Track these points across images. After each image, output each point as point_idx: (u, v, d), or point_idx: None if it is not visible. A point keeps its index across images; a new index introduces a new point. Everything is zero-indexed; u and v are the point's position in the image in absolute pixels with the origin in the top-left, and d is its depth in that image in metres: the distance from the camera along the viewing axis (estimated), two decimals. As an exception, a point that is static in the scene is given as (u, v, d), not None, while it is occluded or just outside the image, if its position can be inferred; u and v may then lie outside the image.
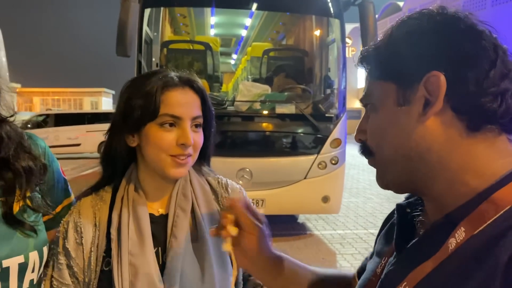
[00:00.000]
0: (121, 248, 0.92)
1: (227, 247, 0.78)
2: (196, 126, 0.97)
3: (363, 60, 0.66)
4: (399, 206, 0.70)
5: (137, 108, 0.93)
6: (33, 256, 0.93)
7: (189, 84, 0.98)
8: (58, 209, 1.10)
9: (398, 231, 0.66)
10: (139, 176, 1.01)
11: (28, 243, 0.93)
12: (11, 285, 0.89)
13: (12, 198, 0.92)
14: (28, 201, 0.95)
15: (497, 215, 0.51)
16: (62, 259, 0.95)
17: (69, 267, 0.95)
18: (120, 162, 1.00)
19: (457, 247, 0.52)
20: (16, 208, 0.92)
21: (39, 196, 1.00)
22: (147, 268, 0.91)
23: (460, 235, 0.53)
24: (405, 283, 0.57)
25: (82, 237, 0.96)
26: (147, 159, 0.97)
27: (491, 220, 0.51)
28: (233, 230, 0.77)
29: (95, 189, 1.03)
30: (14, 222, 0.91)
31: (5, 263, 0.88)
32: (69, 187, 1.15)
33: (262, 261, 0.81)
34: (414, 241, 0.60)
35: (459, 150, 0.56)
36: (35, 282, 0.94)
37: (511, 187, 0.52)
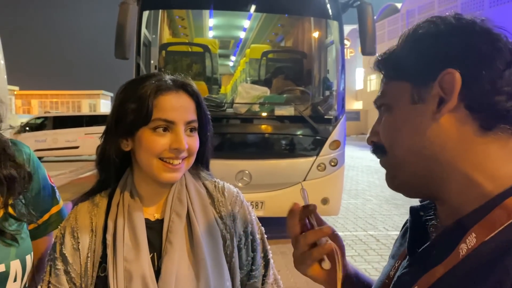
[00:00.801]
0: (116, 254, 0.92)
1: (327, 265, 0.74)
2: (191, 130, 0.96)
3: (380, 63, 0.67)
4: (412, 209, 0.69)
5: (130, 113, 0.92)
6: (15, 265, 0.91)
7: (183, 87, 0.97)
8: (46, 217, 1.09)
9: (411, 235, 0.65)
10: (134, 181, 1.00)
11: (9, 252, 0.91)
12: None
13: None
14: (10, 209, 0.94)
15: (509, 222, 0.51)
16: (59, 264, 0.95)
17: (66, 272, 0.94)
18: (114, 167, 0.99)
19: (468, 253, 0.52)
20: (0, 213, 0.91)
21: (22, 204, 0.98)
22: (142, 274, 0.91)
23: (471, 241, 0.52)
24: (416, 287, 0.57)
25: (79, 242, 0.95)
26: (140, 164, 0.96)
27: (502, 227, 0.51)
28: (327, 265, 0.73)
29: (91, 194, 1.02)
30: None
31: None
32: (57, 194, 1.13)
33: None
34: (425, 245, 0.60)
35: (472, 149, 0.56)
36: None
37: None
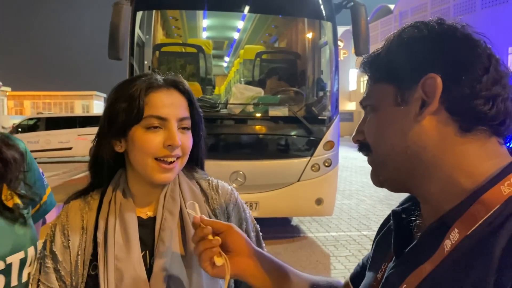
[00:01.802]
0: (107, 253, 0.92)
1: (220, 261, 0.79)
2: (184, 128, 0.95)
3: (366, 65, 0.69)
4: (394, 212, 0.72)
5: (121, 112, 0.92)
6: (31, 251, 0.97)
7: (174, 85, 0.96)
8: (44, 198, 1.15)
9: (395, 237, 0.68)
10: (127, 181, 0.99)
11: (26, 239, 0.97)
12: (12, 280, 0.93)
13: (0, 185, 0.96)
14: (16, 199, 0.98)
15: (487, 215, 0.54)
16: (49, 262, 0.94)
17: (56, 270, 0.94)
18: (108, 169, 0.99)
19: (452, 248, 0.55)
20: (9, 204, 0.96)
21: (24, 184, 1.03)
22: (133, 272, 0.91)
23: (454, 236, 0.55)
24: (404, 285, 0.59)
25: (69, 240, 0.95)
26: (133, 164, 0.95)
27: (482, 220, 0.54)
28: (219, 261, 0.78)
29: (83, 193, 1.02)
30: (4, 209, 0.95)
31: (8, 260, 0.92)
32: (44, 178, 1.18)
33: (253, 262, 0.83)
34: (412, 245, 0.62)
35: (452, 149, 0.59)
36: (31, 275, 0.98)
37: (498, 188, 0.55)
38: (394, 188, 0.66)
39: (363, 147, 0.69)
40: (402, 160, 0.62)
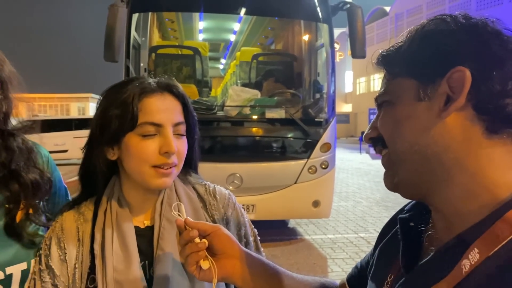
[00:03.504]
0: (105, 265, 0.88)
1: (206, 264, 0.77)
2: (179, 134, 0.93)
3: (383, 60, 0.64)
4: (402, 219, 0.67)
5: (115, 119, 0.88)
6: (32, 263, 0.93)
7: (168, 89, 0.93)
8: None
9: (404, 249, 0.63)
10: (122, 189, 0.96)
11: (30, 250, 0.94)
12: None
13: (16, 209, 0.94)
14: (31, 210, 0.97)
15: None
16: (46, 277, 0.90)
17: (54, 285, 0.90)
18: (101, 177, 0.94)
19: (471, 269, 0.50)
20: (19, 216, 0.95)
21: (42, 211, 1.01)
22: (133, 285, 0.88)
23: (474, 256, 0.50)
24: None
25: (65, 253, 0.91)
26: (128, 172, 0.92)
27: (506, 241, 0.49)
28: (205, 264, 0.77)
29: (77, 203, 0.98)
30: (14, 234, 0.93)
31: (8, 270, 0.89)
32: (69, 195, 1.15)
33: (240, 264, 0.81)
34: (424, 260, 0.57)
35: (476, 152, 0.54)
36: None
37: None
38: (409, 193, 0.62)
39: (378, 142, 0.64)
40: (420, 160, 0.57)
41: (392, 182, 0.62)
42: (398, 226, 0.67)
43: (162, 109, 0.90)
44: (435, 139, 0.56)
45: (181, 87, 0.96)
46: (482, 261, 0.50)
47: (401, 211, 0.72)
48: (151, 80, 0.94)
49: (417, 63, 0.58)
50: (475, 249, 0.50)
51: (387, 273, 0.67)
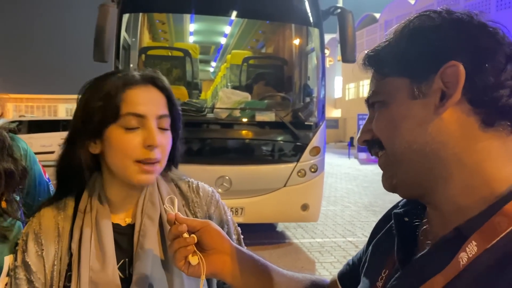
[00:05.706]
0: (81, 264, 0.86)
1: (195, 260, 0.76)
2: (163, 127, 0.90)
3: (370, 60, 0.64)
4: (396, 214, 0.66)
5: (97, 111, 0.86)
6: (9, 260, 0.91)
7: (152, 81, 0.91)
8: None
9: (399, 244, 0.63)
10: (103, 185, 0.93)
11: (3, 247, 0.91)
12: None
13: None
14: (3, 204, 0.93)
15: (510, 228, 0.49)
16: (21, 273, 0.87)
17: (30, 281, 0.87)
18: (84, 172, 0.91)
19: (469, 262, 0.50)
20: None
21: (16, 201, 0.97)
22: (108, 285, 0.86)
23: (472, 249, 0.50)
24: None
25: (43, 249, 0.88)
26: (111, 167, 0.89)
27: (504, 234, 0.49)
28: (194, 260, 0.76)
29: (55, 199, 0.95)
30: None
31: None
32: (52, 189, 1.12)
33: (230, 260, 0.80)
34: (421, 254, 0.57)
35: (474, 146, 0.54)
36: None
37: None
38: (408, 193, 0.61)
39: (374, 144, 0.63)
40: (419, 158, 0.56)
41: (391, 183, 0.61)
42: (392, 221, 0.67)
43: (146, 101, 0.88)
44: (433, 136, 0.55)
45: (165, 79, 0.94)
46: (480, 254, 0.50)
47: (395, 206, 0.72)
48: (135, 73, 0.92)
49: (408, 61, 0.58)
50: (473, 242, 0.51)
51: (382, 269, 0.66)
